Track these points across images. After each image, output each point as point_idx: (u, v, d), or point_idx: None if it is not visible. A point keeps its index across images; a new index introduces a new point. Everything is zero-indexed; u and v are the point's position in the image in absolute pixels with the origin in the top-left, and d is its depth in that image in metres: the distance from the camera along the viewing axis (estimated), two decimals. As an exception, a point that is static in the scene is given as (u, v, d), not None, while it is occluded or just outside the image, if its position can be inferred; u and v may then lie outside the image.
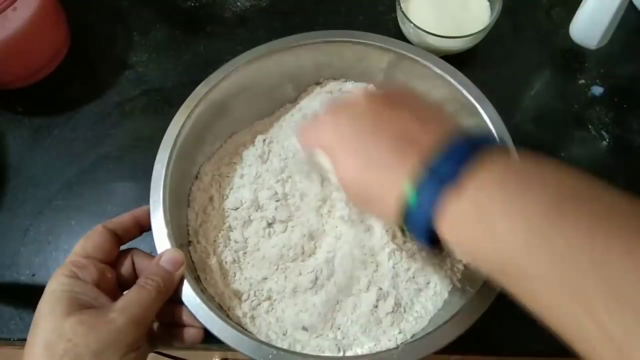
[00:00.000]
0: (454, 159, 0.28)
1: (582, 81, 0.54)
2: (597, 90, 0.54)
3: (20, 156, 0.52)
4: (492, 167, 0.27)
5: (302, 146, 0.37)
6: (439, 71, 0.43)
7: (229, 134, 0.48)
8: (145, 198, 0.48)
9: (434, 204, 0.27)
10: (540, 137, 0.51)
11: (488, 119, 0.41)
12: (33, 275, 0.46)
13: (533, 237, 0.24)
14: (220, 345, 0.41)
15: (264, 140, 0.46)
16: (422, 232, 0.29)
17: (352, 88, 0.49)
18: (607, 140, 0.51)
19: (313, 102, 0.48)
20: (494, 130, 0.40)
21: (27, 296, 0.45)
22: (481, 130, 0.30)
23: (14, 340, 0.44)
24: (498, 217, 0.25)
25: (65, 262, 0.35)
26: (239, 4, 0.60)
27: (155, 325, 0.38)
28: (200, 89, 0.43)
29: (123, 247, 0.39)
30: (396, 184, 0.29)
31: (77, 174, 0.50)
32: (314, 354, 0.38)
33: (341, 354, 0.39)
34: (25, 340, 0.43)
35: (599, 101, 0.53)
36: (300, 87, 0.49)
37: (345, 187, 0.33)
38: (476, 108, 0.41)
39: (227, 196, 0.44)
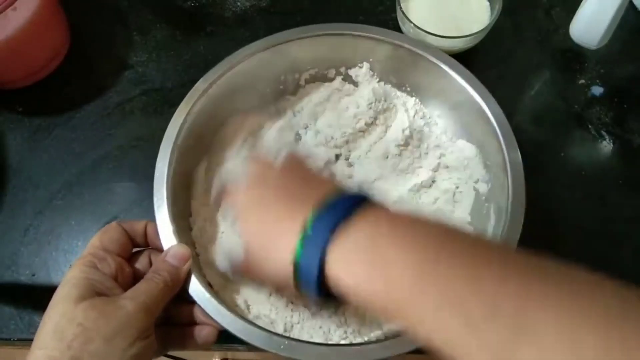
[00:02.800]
0: (342, 207, 0.31)
1: (582, 81, 0.54)
2: (597, 90, 0.54)
3: (20, 156, 0.52)
4: (378, 215, 0.31)
5: (221, 204, 0.40)
6: (444, 67, 0.45)
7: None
8: (145, 198, 0.49)
9: (324, 249, 0.30)
10: (540, 137, 0.51)
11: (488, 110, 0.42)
12: (33, 275, 0.46)
13: (416, 264, 0.27)
14: (220, 345, 0.42)
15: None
16: (312, 282, 0.30)
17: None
18: (607, 140, 0.51)
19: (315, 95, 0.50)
20: (496, 126, 0.41)
21: (27, 296, 0.45)
22: (359, 191, 0.34)
23: (14, 340, 0.44)
24: (387, 256, 0.28)
25: (84, 253, 0.36)
26: (239, 4, 0.60)
27: (169, 328, 0.38)
28: (200, 84, 0.44)
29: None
30: (289, 240, 0.31)
31: (77, 174, 0.50)
32: (322, 340, 0.38)
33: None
34: (25, 340, 0.44)
35: (599, 101, 0.53)
36: (299, 78, 0.50)
37: (246, 249, 0.35)
38: (475, 99, 0.42)
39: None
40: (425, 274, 0.27)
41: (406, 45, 0.46)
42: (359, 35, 0.47)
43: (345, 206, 0.31)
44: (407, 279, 0.27)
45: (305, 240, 0.31)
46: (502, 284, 0.25)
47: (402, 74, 0.48)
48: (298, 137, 0.49)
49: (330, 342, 0.38)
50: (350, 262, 0.30)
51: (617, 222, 0.47)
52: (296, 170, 0.37)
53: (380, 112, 0.48)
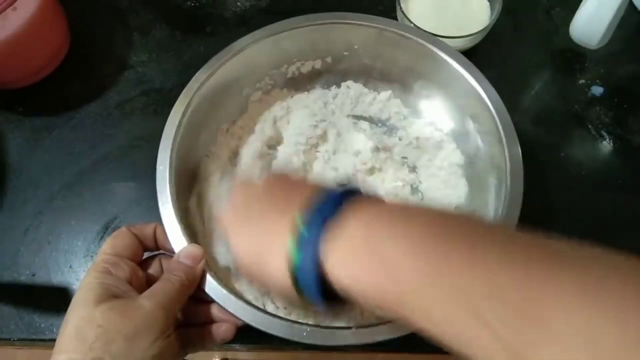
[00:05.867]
0: (331, 203, 0.30)
1: (582, 81, 0.54)
2: (597, 90, 0.54)
3: (20, 156, 0.52)
4: (371, 206, 0.30)
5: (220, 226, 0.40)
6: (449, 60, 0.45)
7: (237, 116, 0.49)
8: (145, 198, 0.49)
9: (319, 247, 0.29)
10: (540, 137, 0.51)
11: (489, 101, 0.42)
12: (33, 275, 0.46)
13: (418, 257, 0.26)
14: (220, 345, 0.41)
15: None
16: (313, 285, 0.29)
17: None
18: (607, 140, 0.51)
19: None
20: (497, 120, 0.41)
21: (27, 296, 0.45)
22: (348, 184, 0.33)
23: (13, 340, 0.44)
24: (385, 244, 0.27)
25: (97, 260, 0.36)
26: (239, 4, 0.60)
27: (187, 329, 0.38)
28: (200, 75, 0.44)
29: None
30: (281, 246, 0.30)
31: (77, 174, 0.50)
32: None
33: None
34: (25, 340, 0.44)
35: (599, 101, 0.53)
36: (287, 72, 0.51)
37: (239, 264, 0.35)
38: (474, 87, 0.43)
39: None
40: (424, 262, 0.26)
41: (391, 29, 0.46)
42: (342, 23, 0.47)
43: (333, 202, 0.30)
44: (407, 269, 0.26)
45: (297, 242, 0.30)
46: (508, 270, 0.23)
47: (387, 58, 0.49)
48: (271, 154, 0.49)
49: (349, 325, 0.38)
50: (347, 258, 0.28)
51: (617, 222, 0.47)
52: (278, 182, 0.36)
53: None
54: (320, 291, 0.30)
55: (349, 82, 0.51)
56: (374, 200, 0.31)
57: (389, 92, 0.50)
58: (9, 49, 0.49)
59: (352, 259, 0.28)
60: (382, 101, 0.50)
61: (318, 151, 0.48)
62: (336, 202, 0.30)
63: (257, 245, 0.33)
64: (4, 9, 0.44)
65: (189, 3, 0.60)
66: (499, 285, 0.23)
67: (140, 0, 0.60)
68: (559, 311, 0.21)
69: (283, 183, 0.36)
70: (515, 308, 0.22)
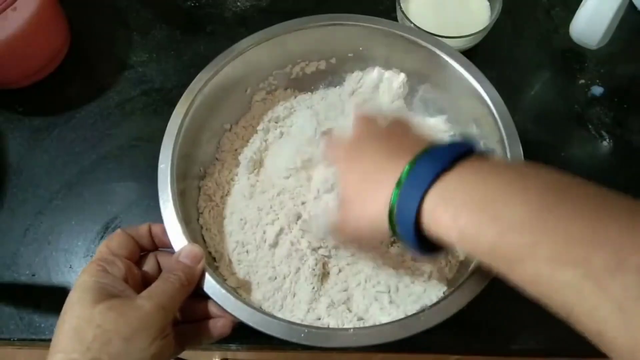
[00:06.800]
0: (443, 154, 0.30)
1: (582, 81, 0.54)
2: (597, 90, 0.54)
3: (20, 156, 0.52)
4: (486, 160, 0.30)
5: (324, 158, 0.41)
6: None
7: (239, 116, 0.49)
8: (145, 198, 0.49)
9: (423, 189, 0.29)
10: (540, 137, 0.51)
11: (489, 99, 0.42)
12: (33, 275, 0.46)
13: (533, 208, 0.25)
14: (219, 345, 0.42)
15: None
16: (409, 225, 0.29)
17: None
18: (607, 140, 0.51)
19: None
20: (499, 121, 0.41)
21: (27, 296, 0.45)
22: (465, 140, 0.32)
23: (13, 340, 0.44)
24: (500, 199, 0.27)
25: (93, 259, 0.36)
26: (239, 3, 0.60)
27: (184, 325, 0.38)
28: (204, 74, 0.44)
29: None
30: (387, 187, 0.31)
31: (77, 174, 0.50)
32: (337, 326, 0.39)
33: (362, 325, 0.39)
34: (25, 340, 0.44)
35: (599, 101, 0.53)
36: (290, 72, 0.51)
37: (344, 200, 0.35)
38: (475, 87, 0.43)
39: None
40: (543, 220, 0.25)
41: (397, 32, 0.46)
42: (348, 25, 0.47)
43: (449, 153, 0.30)
44: (524, 225, 0.25)
45: (403, 184, 0.30)
46: (630, 235, 0.22)
47: (393, 61, 0.49)
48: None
49: (348, 327, 0.38)
50: (455, 204, 0.28)
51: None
52: (399, 127, 0.36)
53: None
54: (416, 235, 0.30)
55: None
56: (490, 156, 0.31)
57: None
58: (9, 49, 0.49)
59: (463, 210, 0.28)
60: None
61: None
62: (451, 153, 0.30)
63: (365, 183, 0.33)
64: (4, 9, 0.44)
65: (189, 3, 0.60)
66: (621, 259, 0.22)
67: (140, 0, 0.60)
68: None
69: (404, 130, 0.36)
70: (634, 274, 0.22)
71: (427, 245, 0.30)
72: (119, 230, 0.38)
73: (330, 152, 0.39)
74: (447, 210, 0.28)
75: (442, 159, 0.29)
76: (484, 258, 0.28)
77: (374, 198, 0.32)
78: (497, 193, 0.27)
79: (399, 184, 0.30)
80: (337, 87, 0.51)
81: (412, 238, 0.30)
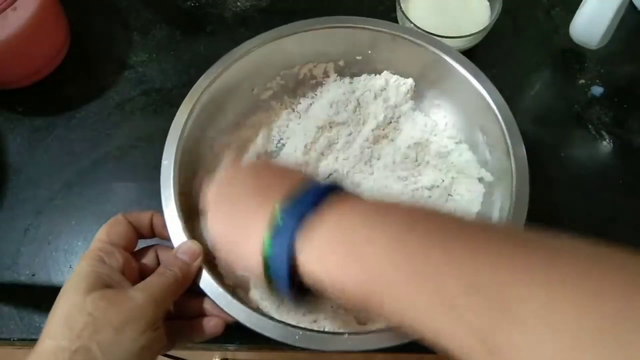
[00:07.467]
0: (312, 196, 0.30)
1: (582, 81, 0.54)
2: (597, 90, 0.54)
3: (20, 156, 0.52)
4: (351, 202, 0.30)
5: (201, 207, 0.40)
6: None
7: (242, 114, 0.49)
8: (145, 198, 0.49)
9: (292, 236, 0.28)
10: (540, 137, 0.51)
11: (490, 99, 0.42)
12: (33, 275, 0.46)
13: (394, 249, 0.26)
14: (219, 345, 0.42)
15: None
16: (283, 273, 0.29)
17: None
18: (607, 140, 0.51)
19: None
20: (502, 121, 0.42)
21: (27, 296, 0.45)
22: (332, 180, 0.33)
23: (13, 340, 0.44)
24: (361, 238, 0.27)
25: (92, 247, 0.36)
26: (239, 4, 0.60)
27: (177, 321, 0.38)
28: (210, 72, 0.44)
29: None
30: (258, 233, 0.30)
31: (77, 174, 0.50)
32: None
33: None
34: (25, 340, 0.44)
35: (599, 101, 0.53)
36: (298, 73, 0.50)
37: (215, 246, 0.35)
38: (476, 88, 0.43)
39: None
40: (401, 260, 0.26)
41: (405, 36, 0.46)
42: (356, 27, 0.47)
43: (315, 195, 0.30)
44: (381, 259, 0.26)
45: (273, 230, 0.29)
46: (478, 257, 0.23)
47: (400, 63, 0.49)
48: (278, 148, 0.49)
49: (345, 331, 0.38)
50: (322, 249, 0.28)
51: (616, 222, 0.47)
52: (265, 166, 0.36)
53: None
54: (290, 282, 0.29)
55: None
56: (355, 197, 0.31)
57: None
58: (9, 49, 0.49)
59: (328, 253, 0.28)
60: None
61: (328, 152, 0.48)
62: (317, 195, 0.30)
63: (235, 228, 0.33)
64: (4, 9, 0.44)
65: (189, 3, 0.60)
66: (473, 281, 0.23)
67: (140, 0, 0.60)
68: (527, 298, 0.21)
69: (270, 169, 0.36)
70: (488, 297, 0.22)
71: (304, 291, 0.30)
72: (119, 216, 0.38)
73: (202, 199, 0.37)
74: (314, 256, 0.28)
75: (306, 204, 0.29)
76: (356, 300, 0.28)
77: (245, 247, 0.31)
78: (360, 231, 0.28)
79: (269, 233, 0.29)
80: (345, 91, 0.50)
81: (286, 287, 0.30)
